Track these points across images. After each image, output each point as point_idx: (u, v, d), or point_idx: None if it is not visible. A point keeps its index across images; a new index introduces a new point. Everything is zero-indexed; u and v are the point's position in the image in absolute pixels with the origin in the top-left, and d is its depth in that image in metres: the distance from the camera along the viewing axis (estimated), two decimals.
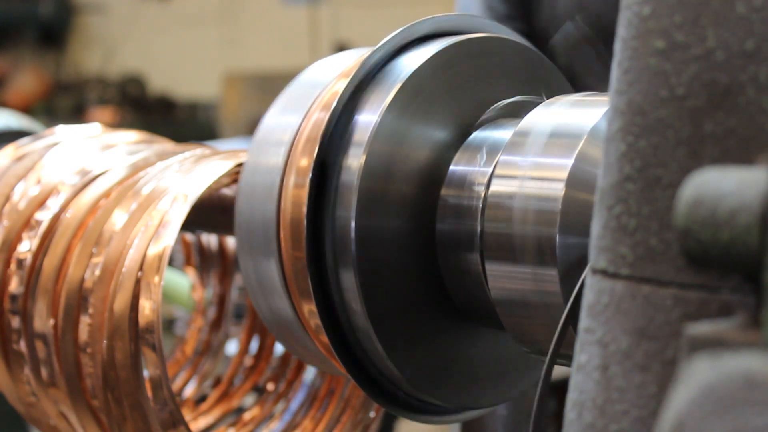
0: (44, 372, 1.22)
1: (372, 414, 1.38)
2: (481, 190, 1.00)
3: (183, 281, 1.79)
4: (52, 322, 1.20)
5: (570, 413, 0.72)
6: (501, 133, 1.03)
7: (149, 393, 1.12)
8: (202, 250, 1.62)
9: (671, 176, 0.67)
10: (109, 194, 1.23)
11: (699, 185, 0.60)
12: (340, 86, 1.03)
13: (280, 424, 1.47)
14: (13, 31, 9.63)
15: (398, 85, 1.00)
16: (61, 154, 1.34)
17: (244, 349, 1.55)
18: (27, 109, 7.79)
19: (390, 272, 1.00)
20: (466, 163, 1.03)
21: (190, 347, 1.60)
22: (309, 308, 1.04)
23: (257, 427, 1.48)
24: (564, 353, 0.92)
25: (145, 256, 1.13)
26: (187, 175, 1.19)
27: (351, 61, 1.11)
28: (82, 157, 1.31)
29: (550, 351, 0.88)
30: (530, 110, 1.00)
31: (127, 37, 9.48)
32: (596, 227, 0.72)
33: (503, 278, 0.96)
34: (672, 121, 0.67)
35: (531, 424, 0.89)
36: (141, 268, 1.13)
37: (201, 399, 1.55)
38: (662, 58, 0.67)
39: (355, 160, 0.99)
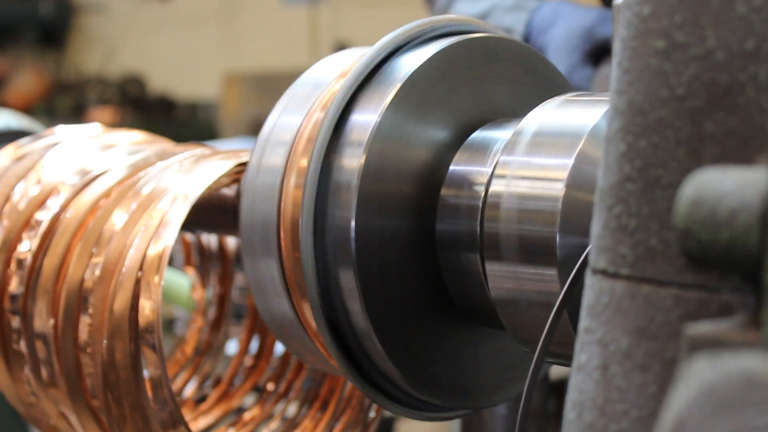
0: (44, 372, 1.22)
1: (372, 414, 1.38)
2: (481, 190, 1.00)
3: (183, 281, 1.79)
4: (52, 322, 1.20)
5: (570, 413, 0.72)
6: (501, 133, 1.03)
7: (149, 393, 1.12)
8: (202, 250, 1.62)
9: (671, 176, 0.67)
10: (109, 194, 1.23)
11: (699, 185, 0.60)
12: (340, 86, 1.03)
13: (280, 424, 1.47)
14: (13, 31, 9.62)
15: (398, 85, 1.00)
16: (61, 154, 1.34)
17: (244, 349, 1.55)
18: (27, 109, 7.79)
19: (390, 272, 1.00)
20: (466, 163, 1.03)
21: (190, 347, 1.60)
22: (309, 308, 1.04)
23: (257, 427, 1.48)
24: (564, 353, 0.92)
25: (145, 256, 1.13)
26: (187, 175, 1.19)
27: (352, 60, 1.11)
28: (82, 157, 1.31)
29: (539, 347, 0.88)
30: (530, 110, 1.00)
31: (127, 37, 9.47)
32: (596, 227, 0.72)
33: (503, 278, 0.96)
34: (672, 121, 0.67)
35: (518, 420, 0.89)
36: (141, 268, 1.13)
37: (201, 399, 1.55)
38: (662, 58, 0.67)
39: (355, 160, 0.99)
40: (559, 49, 1.74)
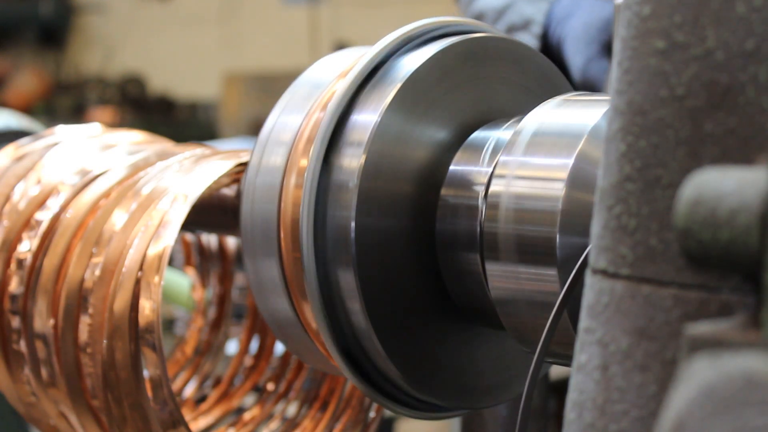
0: (44, 372, 1.22)
1: (372, 414, 1.37)
2: (481, 190, 1.00)
3: (183, 281, 1.79)
4: (52, 322, 1.20)
5: (570, 413, 0.72)
6: (501, 133, 1.03)
7: (149, 393, 1.12)
8: (202, 250, 1.62)
9: (671, 176, 0.67)
10: (109, 194, 1.23)
11: (699, 185, 0.60)
12: (340, 86, 1.03)
13: (280, 424, 1.47)
14: (13, 31, 9.63)
15: (398, 85, 1.00)
16: (61, 154, 1.34)
17: (244, 349, 1.55)
18: (27, 109, 7.78)
19: (390, 272, 1.00)
20: (466, 163, 1.03)
21: (190, 347, 1.60)
22: (309, 308, 1.04)
23: (257, 427, 1.48)
24: (564, 353, 0.92)
25: (145, 256, 1.13)
26: (187, 175, 1.19)
27: (350, 60, 1.11)
28: (82, 157, 1.31)
29: (539, 347, 0.88)
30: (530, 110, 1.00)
31: (127, 37, 9.47)
32: (596, 227, 0.72)
33: (503, 278, 0.96)
34: (672, 121, 0.67)
35: (519, 420, 0.89)
36: (141, 268, 1.13)
37: (201, 399, 1.55)
38: (662, 58, 0.67)
39: (355, 160, 0.99)
40: (577, 39, 1.73)
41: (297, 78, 1.14)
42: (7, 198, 1.33)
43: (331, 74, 1.10)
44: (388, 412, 1.14)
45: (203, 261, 1.62)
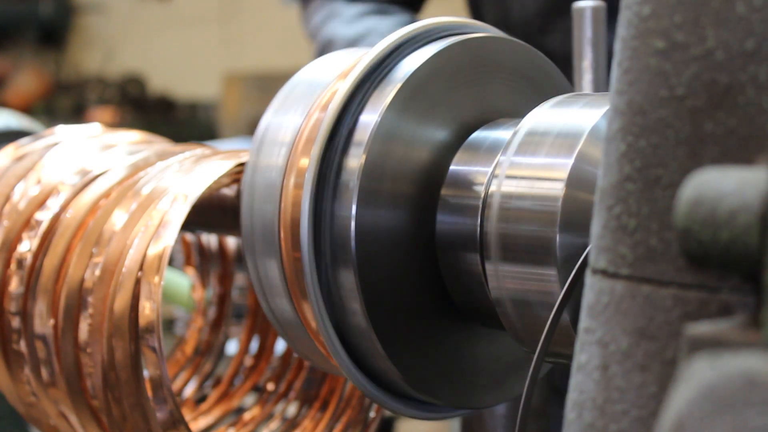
0: (44, 372, 1.22)
1: (372, 414, 1.37)
2: (481, 190, 1.00)
3: (183, 281, 1.79)
4: (52, 322, 1.20)
5: (570, 413, 0.72)
6: (501, 133, 1.03)
7: (149, 393, 1.12)
8: (202, 250, 1.62)
9: (671, 176, 0.67)
10: (109, 194, 1.23)
11: (699, 185, 0.60)
12: (340, 86, 1.03)
13: (280, 424, 1.47)
14: (13, 31, 9.63)
15: (398, 85, 1.00)
16: (61, 154, 1.34)
17: (244, 349, 1.55)
18: (27, 109, 7.78)
19: (390, 272, 1.00)
20: (466, 163, 1.03)
21: (190, 347, 1.60)
22: (309, 308, 1.04)
23: (257, 427, 1.48)
24: (564, 353, 0.92)
25: (145, 256, 1.13)
26: (187, 175, 1.19)
27: (350, 60, 1.11)
28: (82, 157, 1.31)
29: (539, 347, 0.88)
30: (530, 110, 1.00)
31: (127, 37, 9.47)
32: (596, 227, 0.72)
33: (503, 278, 0.96)
34: (672, 121, 0.67)
35: (518, 420, 0.89)
36: (141, 268, 1.13)
37: (201, 399, 1.55)
38: (662, 58, 0.67)
39: (355, 160, 0.99)
40: None
41: (291, 78, 1.13)
42: (7, 198, 1.33)
43: (328, 74, 1.10)
44: (388, 412, 1.14)
45: (203, 261, 1.62)
